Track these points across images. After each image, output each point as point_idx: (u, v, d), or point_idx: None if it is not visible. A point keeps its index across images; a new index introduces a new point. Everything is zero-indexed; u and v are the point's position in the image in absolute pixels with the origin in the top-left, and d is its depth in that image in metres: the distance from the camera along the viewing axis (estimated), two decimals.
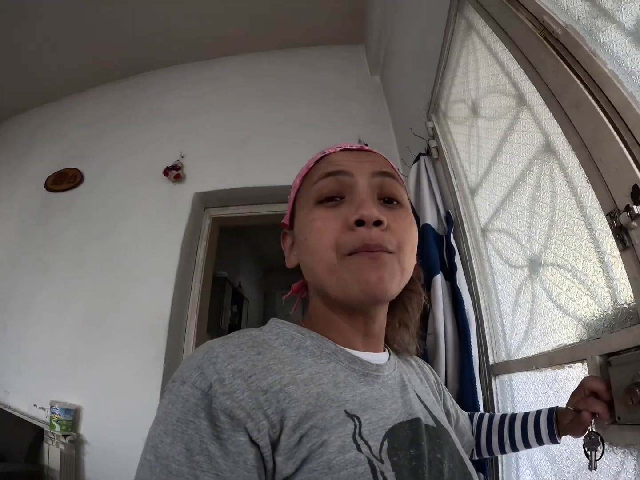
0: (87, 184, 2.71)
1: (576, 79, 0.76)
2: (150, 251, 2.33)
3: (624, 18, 0.72)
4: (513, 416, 0.82)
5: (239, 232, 3.69)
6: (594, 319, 0.79)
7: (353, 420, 0.46)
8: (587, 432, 0.67)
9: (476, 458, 0.86)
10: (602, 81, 0.74)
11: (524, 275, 1.09)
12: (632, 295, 0.66)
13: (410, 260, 0.57)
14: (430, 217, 1.61)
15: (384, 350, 0.64)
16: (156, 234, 2.37)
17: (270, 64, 3.02)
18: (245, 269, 4.28)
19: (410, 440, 0.49)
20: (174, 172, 2.48)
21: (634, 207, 0.64)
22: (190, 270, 2.39)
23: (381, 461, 0.44)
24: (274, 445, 0.42)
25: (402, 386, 0.59)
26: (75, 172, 2.74)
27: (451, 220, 1.58)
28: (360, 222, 0.53)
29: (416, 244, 0.60)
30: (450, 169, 1.66)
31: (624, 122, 0.69)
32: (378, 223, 0.53)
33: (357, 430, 0.46)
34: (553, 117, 0.85)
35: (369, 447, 0.45)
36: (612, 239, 0.72)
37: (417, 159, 1.84)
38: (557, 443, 0.75)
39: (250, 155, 2.56)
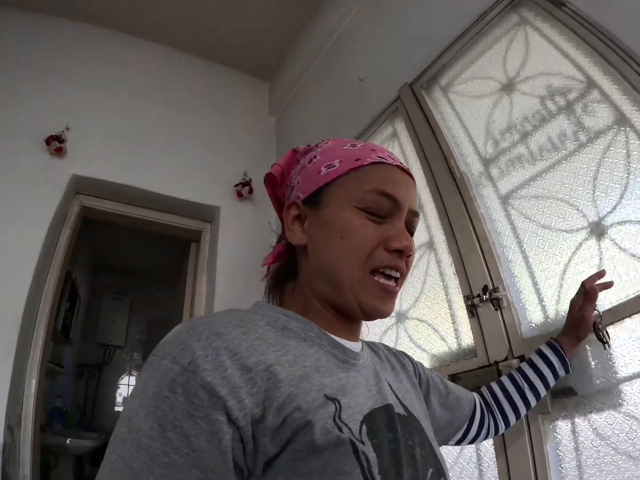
0: None
1: (466, 214, 1.33)
2: (13, 227, 1.93)
3: (501, 187, 1.31)
4: (518, 367, 0.94)
5: (85, 224, 3.41)
6: (445, 354, 1.33)
7: (334, 403, 0.48)
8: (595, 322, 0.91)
9: (494, 431, 0.90)
10: (474, 217, 1.32)
11: (392, 322, 1.61)
12: (473, 342, 1.21)
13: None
14: None
15: (358, 341, 0.66)
16: (22, 210, 1.98)
17: (182, 65, 2.93)
18: (80, 264, 3.82)
19: (387, 425, 0.51)
20: (57, 144, 2.13)
21: (483, 296, 1.19)
22: (49, 260, 2.08)
23: (362, 442, 0.45)
24: (257, 425, 0.42)
25: (376, 374, 0.61)
26: None
27: None
28: (399, 251, 0.58)
29: None
30: None
31: (481, 248, 1.27)
32: (409, 255, 0.60)
33: (337, 412, 0.47)
34: (442, 229, 1.41)
35: (350, 430, 0.46)
36: (464, 310, 1.27)
37: None
38: (569, 371, 0.91)
39: (141, 153, 2.43)
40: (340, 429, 0.45)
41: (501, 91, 1.44)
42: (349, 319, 0.62)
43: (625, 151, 1.12)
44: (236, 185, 2.60)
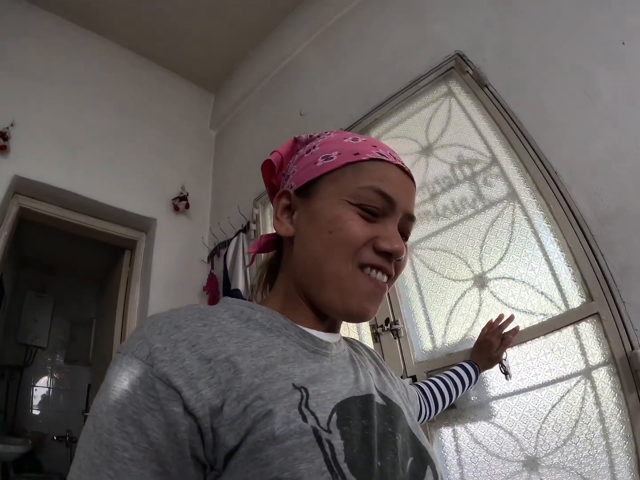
0: None
1: None
2: None
3: (409, 237, 1.55)
4: (445, 374, 1.09)
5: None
6: None
7: (300, 392, 0.46)
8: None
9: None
10: None
11: None
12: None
13: None
14: (241, 285, 2.10)
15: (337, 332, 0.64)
16: None
17: (130, 65, 2.89)
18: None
19: (362, 413, 0.49)
20: (1, 142, 2.07)
21: (385, 326, 1.42)
22: None
23: (328, 431, 0.44)
24: (216, 416, 0.41)
25: (353, 364, 0.59)
26: None
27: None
28: (387, 253, 0.55)
29: None
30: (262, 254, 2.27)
31: None
32: (399, 260, 0.57)
33: (304, 401, 0.45)
34: None
35: (316, 418, 0.44)
36: (370, 336, 1.49)
37: (237, 234, 2.33)
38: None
39: (83, 158, 2.38)
40: (304, 418, 0.44)
41: (420, 153, 1.71)
42: (325, 316, 0.59)
43: (510, 222, 1.42)
44: (173, 199, 2.61)
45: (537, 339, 1.24)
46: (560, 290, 1.26)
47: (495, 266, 1.39)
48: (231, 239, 2.35)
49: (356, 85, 2.15)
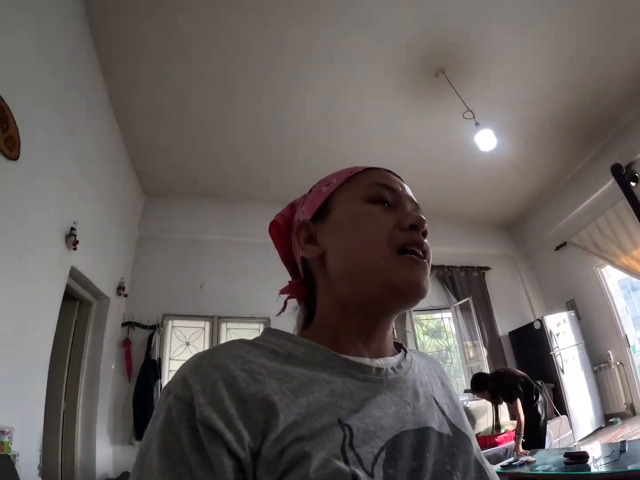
0: None
1: None
2: None
3: None
4: None
5: None
6: None
7: (343, 430, 0.44)
8: None
9: None
10: None
11: None
12: None
13: None
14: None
15: (395, 354, 0.61)
16: None
17: None
18: None
19: (414, 451, 0.46)
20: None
21: None
22: None
23: (371, 475, 0.41)
24: (256, 456, 0.41)
25: (414, 390, 0.55)
26: None
27: None
28: (413, 227, 0.57)
29: None
30: None
31: None
32: (425, 233, 0.59)
33: (347, 440, 0.43)
34: None
35: (360, 460, 0.42)
36: None
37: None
38: None
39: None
40: (346, 460, 0.41)
41: None
42: (381, 319, 0.58)
43: None
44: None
45: None
46: None
47: None
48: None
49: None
